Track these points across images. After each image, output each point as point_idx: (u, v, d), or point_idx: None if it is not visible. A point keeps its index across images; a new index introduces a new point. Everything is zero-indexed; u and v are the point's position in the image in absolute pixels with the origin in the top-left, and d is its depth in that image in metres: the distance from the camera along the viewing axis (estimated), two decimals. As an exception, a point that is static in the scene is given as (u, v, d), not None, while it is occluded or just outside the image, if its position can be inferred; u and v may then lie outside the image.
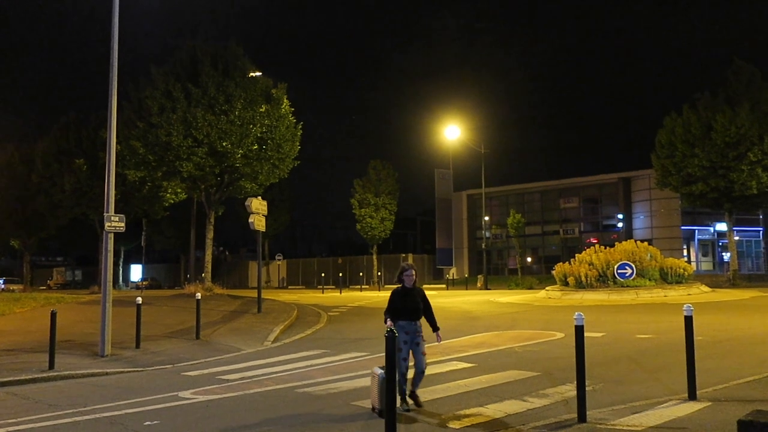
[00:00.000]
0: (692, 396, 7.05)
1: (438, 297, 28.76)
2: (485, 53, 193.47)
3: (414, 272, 7.45)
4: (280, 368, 10.95)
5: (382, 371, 6.41)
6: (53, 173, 39.42)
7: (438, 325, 7.58)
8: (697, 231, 45.69)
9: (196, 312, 15.40)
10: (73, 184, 38.09)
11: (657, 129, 34.73)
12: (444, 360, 10.67)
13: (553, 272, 28.49)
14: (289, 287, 53.83)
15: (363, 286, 44.37)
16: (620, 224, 46.92)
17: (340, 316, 20.97)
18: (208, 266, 28.14)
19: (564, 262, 28.14)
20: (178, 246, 59.04)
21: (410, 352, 7.29)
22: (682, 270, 26.06)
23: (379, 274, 48.73)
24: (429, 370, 9.50)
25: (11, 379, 10.43)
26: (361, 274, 49.24)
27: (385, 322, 7.22)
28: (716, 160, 31.71)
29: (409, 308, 7.33)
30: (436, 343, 7.79)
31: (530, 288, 35.04)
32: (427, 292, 7.93)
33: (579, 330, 6.51)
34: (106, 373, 11.21)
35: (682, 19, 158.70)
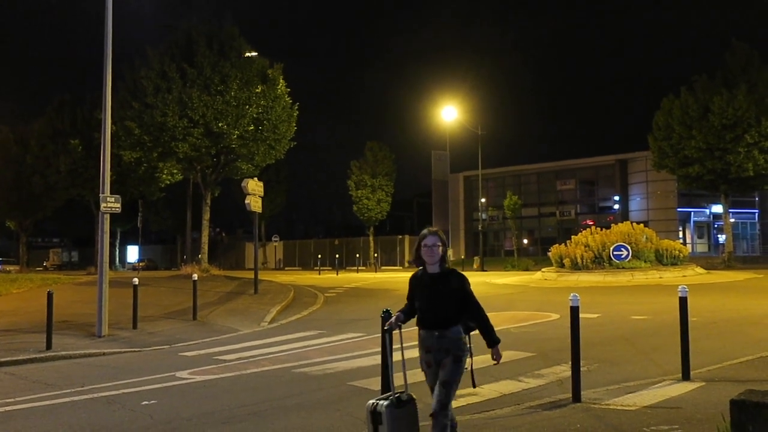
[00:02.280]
0: (686, 376, 7.10)
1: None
2: (482, 35, 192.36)
3: (440, 246, 4.25)
4: (277, 349, 11.00)
5: (372, 403, 4.16)
6: (48, 154, 39.20)
7: (497, 336, 4.28)
8: (692, 213, 45.81)
9: (192, 293, 15.47)
10: (68, 164, 37.90)
11: (654, 111, 34.68)
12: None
13: (550, 254, 28.56)
14: (286, 269, 53.90)
15: (360, 268, 44.33)
16: (616, 206, 46.97)
17: (336, 297, 21.03)
18: (205, 247, 28.17)
19: (560, 244, 28.22)
20: (174, 227, 58.92)
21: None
22: (677, 252, 26.16)
23: (376, 255, 48.74)
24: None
25: (9, 359, 10.47)
26: (357, 255, 49.26)
27: (388, 319, 4.56)
28: (713, 142, 31.67)
29: (424, 307, 4.24)
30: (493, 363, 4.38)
31: (526, 269, 35.15)
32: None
33: (574, 311, 6.55)
34: (104, 354, 11.26)
35: (681, 1, 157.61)
